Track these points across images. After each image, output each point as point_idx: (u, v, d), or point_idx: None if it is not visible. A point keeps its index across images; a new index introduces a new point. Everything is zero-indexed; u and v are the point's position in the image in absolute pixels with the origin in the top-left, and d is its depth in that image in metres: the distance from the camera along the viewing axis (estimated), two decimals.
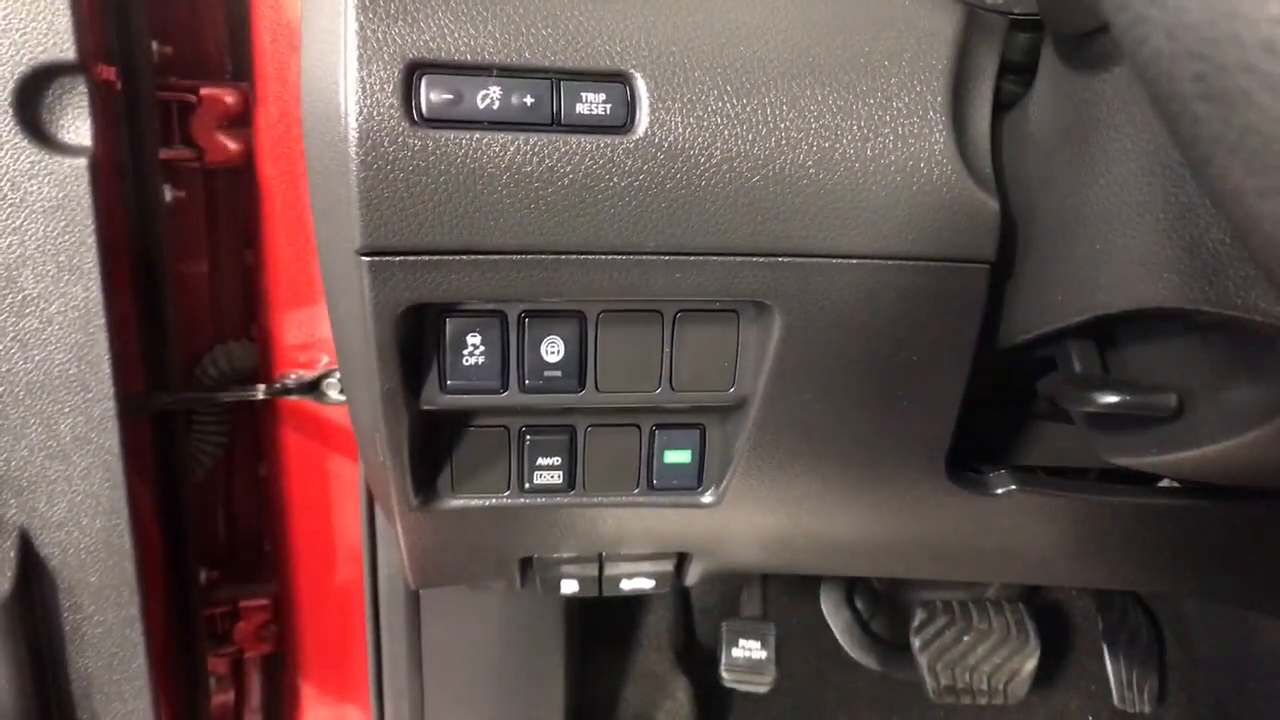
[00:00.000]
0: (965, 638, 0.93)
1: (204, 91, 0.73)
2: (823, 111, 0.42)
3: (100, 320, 0.61)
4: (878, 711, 1.00)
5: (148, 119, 0.69)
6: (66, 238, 0.60)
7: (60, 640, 0.65)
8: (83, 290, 0.61)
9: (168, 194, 0.73)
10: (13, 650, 0.62)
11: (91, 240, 0.60)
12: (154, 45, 0.70)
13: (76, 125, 0.60)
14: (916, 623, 0.94)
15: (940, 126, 0.43)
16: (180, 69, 0.73)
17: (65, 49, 0.57)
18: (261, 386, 0.74)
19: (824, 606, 1.04)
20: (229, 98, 0.74)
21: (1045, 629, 0.95)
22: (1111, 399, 0.42)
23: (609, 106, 0.41)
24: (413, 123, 0.40)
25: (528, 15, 0.41)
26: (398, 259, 0.42)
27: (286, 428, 0.78)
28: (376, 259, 0.42)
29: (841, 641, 1.03)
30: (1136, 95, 0.38)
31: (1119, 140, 0.39)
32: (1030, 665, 0.92)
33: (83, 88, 0.59)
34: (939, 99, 0.43)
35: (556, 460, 0.54)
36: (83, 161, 0.59)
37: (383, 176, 0.40)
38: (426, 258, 0.43)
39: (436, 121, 0.40)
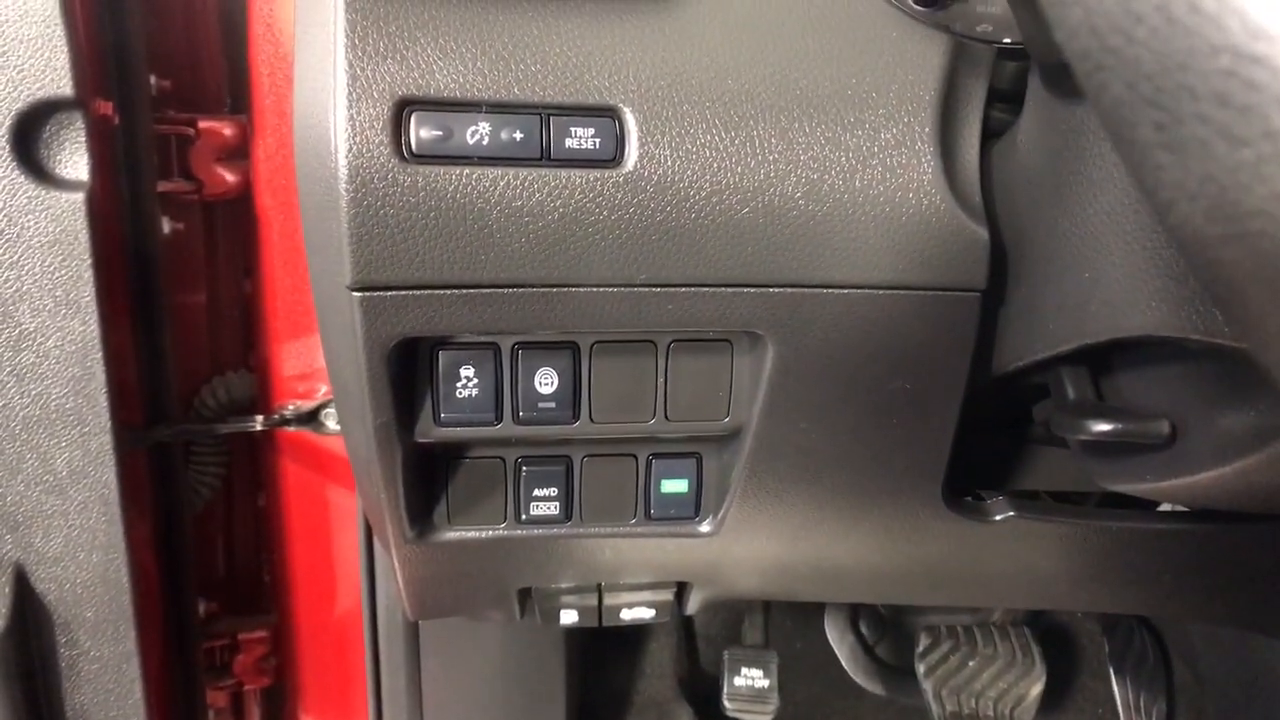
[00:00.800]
0: (970, 663, 0.92)
1: (202, 124, 0.73)
2: (811, 143, 0.43)
3: (97, 354, 0.61)
4: None
5: (146, 152, 0.69)
6: (63, 272, 0.60)
7: (56, 676, 0.65)
8: (80, 325, 0.61)
9: (166, 226, 0.74)
10: (7, 686, 0.61)
11: (88, 275, 0.60)
12: (152, 79, 0.71)
13: (74, 160, 0.60)
14: (921, 648, 0.93)
15: (928, 157, 0.43)
16: (178, 102, 0.74)
17: (63, 85, 0.58)
18: (259, 418, 0.74)
19: (829, 632, 1.03)
20: (227, 130, 0.74)
21: (1051, 653, 0.94)
22: (1104, 427, 0.42)
23: (598, 141, 0.41)
24: (403, 159, 0.40)
25: (516, 51, 0.41)
26: (389, 294, 0.42)
27: (285, 458, 0.78)
28: (368, 294, 0.42)
29: (846, 667, 1.02)
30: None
31: (1105, 168, 0.39)
32: (1036, 690, 0.91)
33: (80, 123, 0.60)
34: (927, 129, 0.43)
35: (553, 491, 0.54)
36: (80, 196, 0.59)
37: (373, 213, 0.40)
38: (418, 292, 0.43)
39: (426, 158, 0.40)
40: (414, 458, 0.51)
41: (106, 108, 0.65)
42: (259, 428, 0.73)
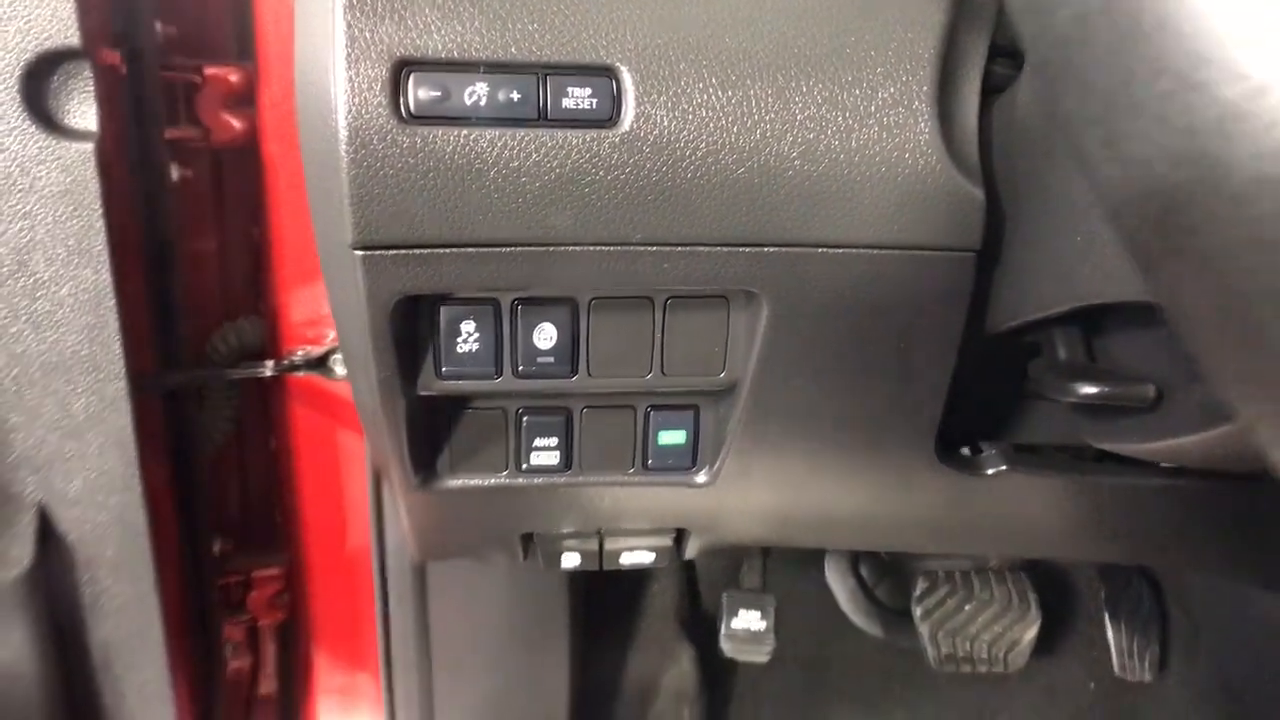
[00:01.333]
0: (966, 607, 0.94)
1: (208, 71, 0.73)
2: (808, 103, 0.43)
3: (110, 302, 0.63)
4: (879, 679, 1.02)
5: (153, 100, 0.70)
6: (75, 222, 0.61)
7: (80, 611, 0.67)
8: (92, 273, 0.62)
9: (174, 173, 0.74)
10: (34, 621, 0.64)
11: (100, 224, 0.61)
12: (158, 25, 0.71)
13: (82, 110, 0.61)
14: (918, 592, 0.95)
15: (925, 116, 0.43)
16: (184, 49, 0.74)
17: (70, 35, 0.58)
18: (269, 363, 0.75)
19: (828, 574, 1.06)
20: (233, 77, 0.74)
21: (1047, 597, 0.96)
22: (1089, 390, 0.42)
23: (595, 100, 0.41)
24: (401, 120, 0.41)
25: (514, 10, 0.41)
26: (390, 252, 0.43)
27: (295, 402, 0.80)
28: (369, 253, 0.43)
29: (845, 609, 1.05)
30: None
31: None
32: (1030, 634, 0.93)
33: (88, 73, 0.60)
34: (924, 88, 0.43)
35: (553, 441, 0.56)
36: (89, 146, 0.60)
37: (373, 173, 0.41)
38: (418, 251, 0.43)
39: (425, 118, 0.41)
40: (417, 409, 0.52)
41: (113, 57, 0.65)
42: (269, 373, 0.75)
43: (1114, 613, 1.00)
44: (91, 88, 0.60)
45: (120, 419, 0.65)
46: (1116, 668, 0.98)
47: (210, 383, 0.77)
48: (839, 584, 1.06)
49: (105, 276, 0.62)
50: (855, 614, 1.04)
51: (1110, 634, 1.00)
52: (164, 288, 0.72)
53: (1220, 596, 0.94)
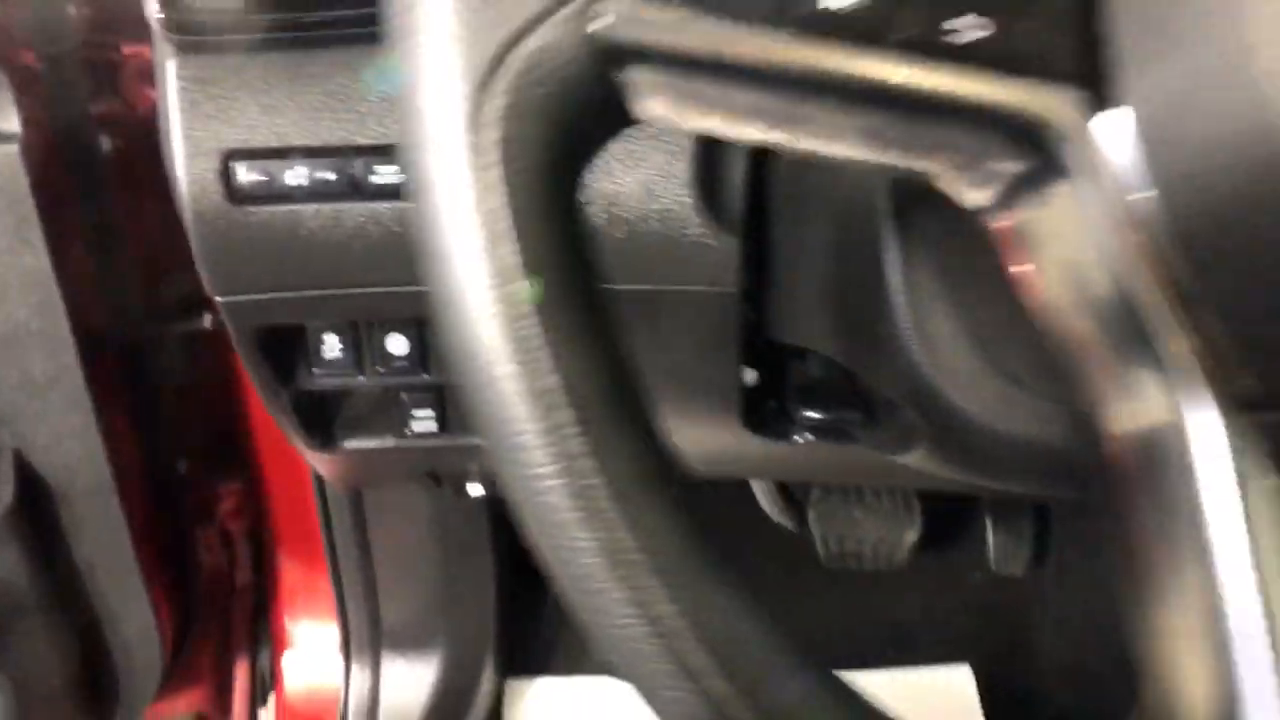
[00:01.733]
0: (855, 513, 1.05)
1: (126, 50, 0.79)
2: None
3: (52, 281, 0.71)
4: (787, 569, 1.14)
5: (75, 82, 0.76)
6: (11, 216, 0.69)
7: (61, 536, 0.80)
8: (33, 259, 0.71)
9: (107, 144, 0.81)
10: (22, 549, 0.77)
11: (33, 216, 0.69)
12: (71, 10, 0.76)
13: (5, 113, 0.68)
14: (814, 497, 1.07)
15: (682, 182, 0.49)
16: (101, 29, 0.78)
17: None
18: (209, 317, 0.84)
19: None
20: (150, 53, 0.79)
21: (933, 503, 1.07)
22: (809, 414, 0.51)
23: (401, 175, 0.48)
24: (234, 202, 0.48)
25: (328, 102, 0.47)
26: (244, 297, 0.52)
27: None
28: (227, 298, 0.51)
29: (762, 504, 1.16)
30: (827, 178, 0.44)
31: (815, 218, 0.45)
32: (911, 536, 1.05)
33: (4, 80, 0.66)
34: (681, 163, 0.49)
35: (430, 411, 0.65)
36: (14, 148, 0.67)
37: (214, 245, 0.49)
38: (268, 295, 0.52)
39: (253, 198, 0.48)
40: (301, 397, 0.61)
41: (28, 57, 0.71)
42: (208, 326, 0.84)
43: (996, 515, 1.11)
44: (9, 92, 0.67)
45: (74, 380, 0.75)
46: (993, 563, 1.10)
47: (155, 336, 0.87)
48: (756, 482, 1.16)
49: (44, 260, 0.71)
50: (771, 510, 1.16)
51: (990, 533, 1.11)
52: (106, 253, 0.80)
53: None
